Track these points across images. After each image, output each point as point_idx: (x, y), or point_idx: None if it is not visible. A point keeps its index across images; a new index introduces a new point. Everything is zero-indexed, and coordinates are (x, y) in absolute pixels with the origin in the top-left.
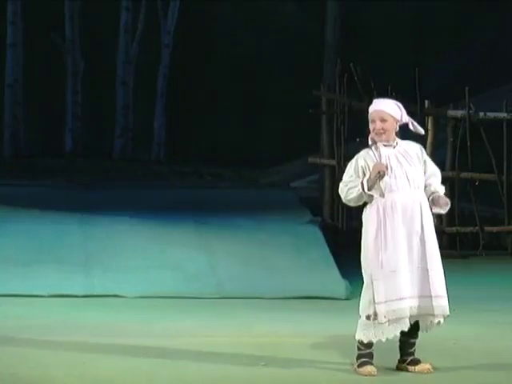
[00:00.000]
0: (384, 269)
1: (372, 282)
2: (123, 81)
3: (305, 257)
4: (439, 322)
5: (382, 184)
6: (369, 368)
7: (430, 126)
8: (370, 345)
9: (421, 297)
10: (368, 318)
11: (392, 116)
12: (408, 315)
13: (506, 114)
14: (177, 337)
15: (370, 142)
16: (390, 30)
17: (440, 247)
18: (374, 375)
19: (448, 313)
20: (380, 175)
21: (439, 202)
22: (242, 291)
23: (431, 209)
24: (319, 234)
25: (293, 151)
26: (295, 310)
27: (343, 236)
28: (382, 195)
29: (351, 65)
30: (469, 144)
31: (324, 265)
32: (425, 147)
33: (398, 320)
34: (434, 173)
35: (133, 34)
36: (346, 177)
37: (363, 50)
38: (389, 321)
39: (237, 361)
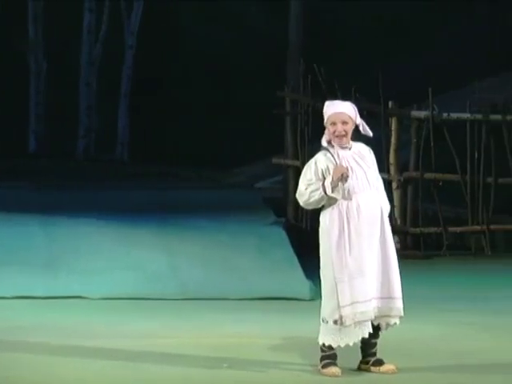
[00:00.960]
0: (349, 271)
1: (336, 286)
2: (87, 81)
3: (268, 258)
4: (395, 323)
5: (344, 186)
6: (333, 369)
7: (393, 127)
8: (329, 347)
9: (381, 298)
10: (335, 322)
11: (351, 118)
12: (372, 317)
13: (469, 115)
14: (140, 338)
15: (324, 145)
16: (354, 30)
17: (404, 248)
18: (338, 376)
19: (402, 314)
20: (343, 177)
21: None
22: (204, 292)
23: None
24: (283, 235)
25: (257, 152)
26: (259, 311)
27: (307, 237)
28: (344, 197)
29: (315, 65)
30: (432, 144)
31: (288, 265)
32: (388, 148)
33: (364, 322)
34: (378, 177)
35: (96, 35)
36: (304, 180)
37: (327, 51)
38: (355, 323)
39: (200, 362)
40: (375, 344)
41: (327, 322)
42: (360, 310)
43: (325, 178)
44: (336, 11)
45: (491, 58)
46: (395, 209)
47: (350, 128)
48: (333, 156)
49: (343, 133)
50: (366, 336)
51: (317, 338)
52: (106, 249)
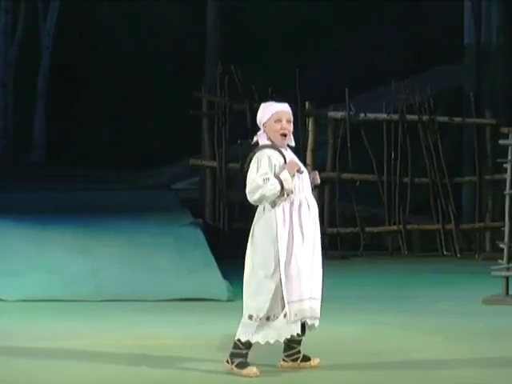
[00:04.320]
0: (299, 268)
1: (281, 281)
2: (3, 82)
3: (186, 258)
4: (313, 324)
5: (295, 183)
6: (254, 369)
7: (310, 128)
8: (250, 345)
9: (311, 298)
10: (267, 319)
11: (292, 119)
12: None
13: (385, 115)
14: (59, 340)
15: (262, 142)
16: (272, 31)
17: (321, 248)
18: (258, 375)
19: (319, 315)
20: (299, 173)
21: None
22: (122, 293)
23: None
24: (200, 236)
25: (174, 153)
26: (177, 312)
27: (224, 237)
28: (292, 194)
29: (232, 66)
30: (349, 145)
31: (205, 266)
32: (306, 148)
33: (305, 319)
34: None
35: (12, 36)
36: (258, 173)
37: (245, 52)
38: (302, 319)
39: (118, 363)
40: (300, 341)
41: (257, 318)
42: (306, 306)
43: (276, 174)
44: (254, 12)
45: (408, 59)
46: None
47: (291, 128)
48: (281, 153)
49: (287, 131)
50: (300, 332)
51: (233, 337)
52: (22, 251)
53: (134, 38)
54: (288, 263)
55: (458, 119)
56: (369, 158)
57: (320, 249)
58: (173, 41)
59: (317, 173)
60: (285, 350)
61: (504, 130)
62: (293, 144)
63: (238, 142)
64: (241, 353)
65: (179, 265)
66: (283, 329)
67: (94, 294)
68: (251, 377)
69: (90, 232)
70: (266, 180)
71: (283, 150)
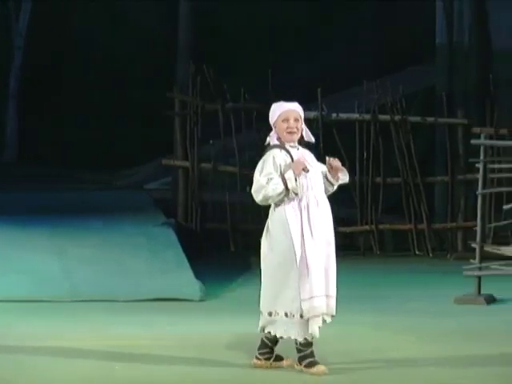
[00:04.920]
0: (310, 266)
1: (299, 278)
2: None
3: (159, 259)
4: (325, 321)
5: (301, 182)
6: (322, 367)
7: None
8: (310, 344)
9: (326, 296)
10: (286, 315)
11: (301, 117)
12: (324, 312)
13: (357, 115)
14: (31, 340)
15: (272, 142)
16: (245, 31)
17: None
18: (327, 373)
19: (335, 313)
20: (304, 171)
21: (338, 167)
22: (96, 294)
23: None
24: (173, 236)
25: (147, 153)
26: (149, 312)
27: (197, 237)
28: (301, 193)
29: (204, 66)
30: (321, 145)
31: (178, 266)
32: None
33: (318, 316)
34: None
35: None
36: (263, 174)
37: (217, 51)
38: (312, 317)
39: (91, 363)
40: (278, 342)
41: (277, 314)
42: (317, 304)
43: (281, 173)
44: (226, 12)
45: (381, 59)
46: None
47: (300, 126)
48: (288, 152)
49: (295, 129)
50: (318, 328)
51: (207, 337)
52: None
53: (107, 38)
54: (299, 262)
55: (430, 119)
56: (341, 158)
57: (333, 247)
58: (145, 40)
59: (332, 159)
60: (259, 348)
61: (476, 129)
62: (312, 140)
63: (211, 141)
64: (306, 353)
65: (152, 265)
66: (304, 326)
67: (68, 295)
68: (320, 375)
69: (63, 232)
70: (270, 180)
71: (292, 149)
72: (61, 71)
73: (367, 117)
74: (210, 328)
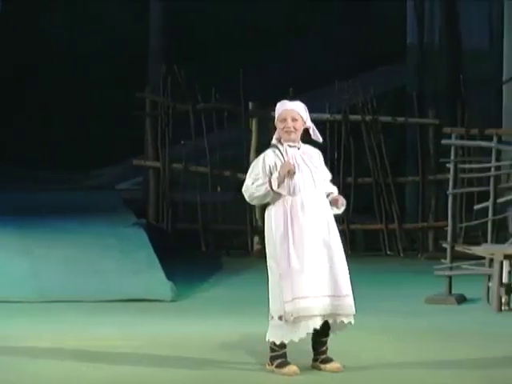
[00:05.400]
0: (292, 267)
1: (280, 282)
2: None
3: (130, 259)
4: (350, 322)
5: (290, 183)
6: (292, 367)
7: (254, 128)
8: (284, 345)
9: (329, 296)
10: (280, 318)
11: (301, 117)
12: (317, 314)
13: (329, 115)
14: (0, 340)
15: (273, 142)
16: (217, 31)
17: (264, 248)
18: (298, 374)
19: (354, 311)
20: (290, 174)
21: (337, 202)
22: (66, 295)
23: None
24: (144, 236)
25: (118, 153)
26: (120, 313)
27: (168, 238)
28: (289, 194)
29: (175, 66)
30: None
31: (149, 267)
32: (249, 148)
33: (307, 318)
34: (329, 177)
35: None
36: (251, 175)
37: (189, 52)
38: (297, 319)
39: (61, 364)
40: (325, 342)
41: (272, 317)
42: (300, 306)
43: (271, 174)
44: (198, 12)
45: (352, 59)
46: (257, 209)
47: (299, 126)
48: (281, 153)
49: (292, 129)
50: (311, 332)
51: (178, 337)
52: None
53: (78, 39)
54: (283, 263)
55: (400, 119)
56: None
57: (338, 246)
58: (116, 41)
59: (341, 199)
60: (312, 351)
61: (447, 129)
62: (319, 140)
63: (182, 142)
64: (278, 353)
65: (123, 265)
66: (295, 328)
67: (38, 295)
68: (290, 376)
69: (34, 233)
70: (255, 181)
71: (291, 149)
72: (32, 72)
73: (338, 117)
74: (181, 328)
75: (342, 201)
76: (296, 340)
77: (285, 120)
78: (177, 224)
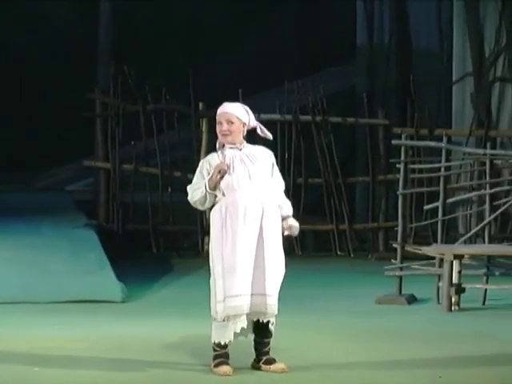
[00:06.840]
0: (224, 266)
1: (215, 281)
2: None
3: (80, 260)
4: (273, 322)
5: (222, 183)
6: (224, 368)
7: (204, 128)
8: (225, 345)
9: (253, 294)
10: (214, 318)
11: (239, 119)
12: (244, 312)
13: (279, 116)
14: None
15: (217, 144)
16: (167, 31)
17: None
18: (229, 375)
19: (276, 312)
20: (220, 174)
21: (291, 229)
22: (16, 296)
23: (283, 232)
24: (94, 238)
25: (68, 154)
26: (71, 314)
27: (119, 239)
28: (223, 195)
29: (125, 67)
30: None
31: (99, 268)
32: (199, 149)
33: (235, 317)
34: (279, 180)
35: None
36: (194, 179)
37: (139, 52)
38: (228, 318)
39: (11, 366)
40: (267, 343)
41: (214, 318)
42: (230, 304)
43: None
44: (148, 12)
45: (302, 59)
46: (207, 210)
47: (235, 128)
48: (219, 156)
49: (227, 132)
50: (238, 331)
51: (128, 338)
52: None
53: (27, 39)
54: (217, 262)
55: (350, 119)
56: None
57: (272, 245)
58: (65, 41)
59: (292, 226)
60: (254, 351)
61: (397, 130)
62: (269, 137)
63: (132, 143)
64: (218, 353)
65: (73, 266)
66: (228, 327)
67: None
68: (221, 376)
69: None
70: (194, 184)
71: (232, 150)
72: None
73: (288, 117)
74: (130, 329)
75: (296, 227)
76: (226, 341)
77: (221, 123)
78: (127, 225)
